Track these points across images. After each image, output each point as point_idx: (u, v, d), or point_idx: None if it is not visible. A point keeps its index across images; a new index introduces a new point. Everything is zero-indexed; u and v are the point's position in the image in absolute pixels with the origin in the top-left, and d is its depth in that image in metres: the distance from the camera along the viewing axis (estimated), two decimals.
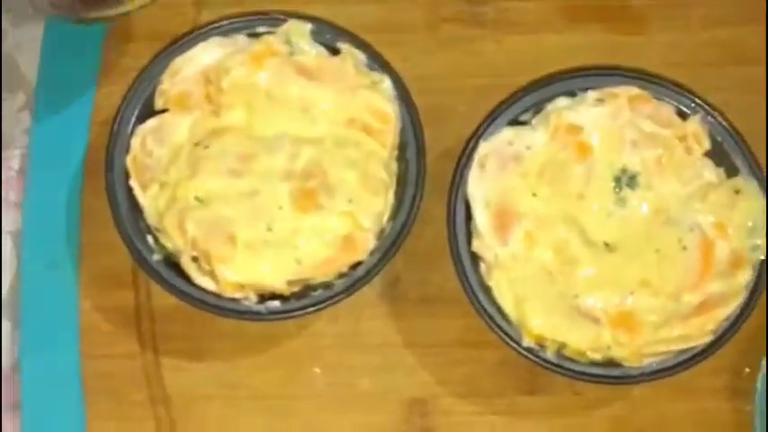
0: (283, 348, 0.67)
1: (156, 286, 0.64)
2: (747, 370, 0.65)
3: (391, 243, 0.62)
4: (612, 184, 0.62)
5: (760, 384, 0.64)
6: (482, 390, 0.66)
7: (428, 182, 0.64)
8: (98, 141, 0.68)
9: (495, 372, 0.66)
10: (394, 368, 0.66)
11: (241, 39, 0.65)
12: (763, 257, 0.62)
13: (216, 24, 0.65)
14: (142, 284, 0.67)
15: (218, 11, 0.69)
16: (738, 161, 0.63)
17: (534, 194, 0.62)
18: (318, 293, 0.62)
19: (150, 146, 0.63)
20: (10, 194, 0.70)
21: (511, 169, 0.62)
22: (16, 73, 0.72)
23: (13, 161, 0.71)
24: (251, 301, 0.62)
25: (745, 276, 0.61)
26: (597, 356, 0.61)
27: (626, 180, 0.62)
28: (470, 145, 0.63)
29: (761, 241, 0.61)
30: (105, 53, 0.70)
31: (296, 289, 0.62)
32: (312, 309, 0.62)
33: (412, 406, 0.66)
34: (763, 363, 0.64)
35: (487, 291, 0.62)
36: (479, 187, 0.62)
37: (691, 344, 0.61)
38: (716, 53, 0.69)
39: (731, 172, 0.63)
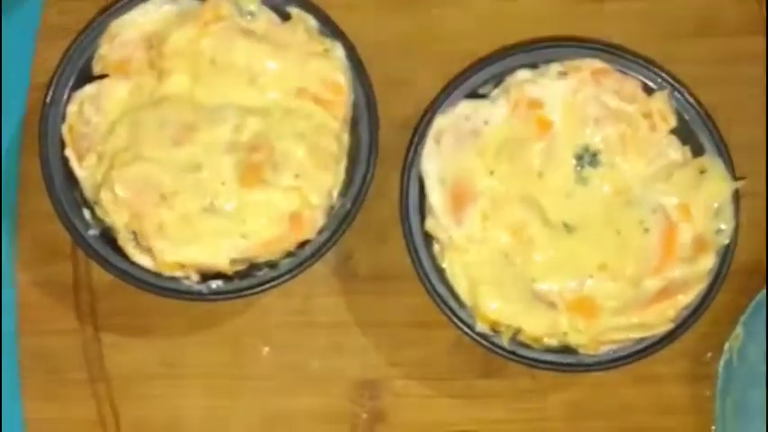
0: (229, 326, 0.64)
1: None
2: (709, 354, 0.63)
3: (340, 222, 0.60)
4: (573, 162, 0.59)
5: (722, 368, 0.62)
6: (436, 372, 0.64)
7: (383, 154, 0.61)
8: (36, 105, 0.64)
9: (449, 353, 0.64)
10: (344, 348, 0.64)
11: (185, 1, 0.61)
12: (727, 242, 0.59)
13: None
14: (81, 257, 0.64)
15: None
16: (704, 140, 0.60)
17: (492, 173, 0.59)
18: (263, 273, 0.60)
19: (88, 113, 0.60)
20: None
21: (468, 146, 0.59)
22: None
23: None
24: (192, 280, 0.59)
25: (708, 262, 0.59)
26: (553, 342, 0.59)
27: (588, 158, 0.59)
28: (425, 119, 0.60)
29: (725, 225, 0.59)
30: (46, 11, 0.66)
31: (240, 268, 0.59)
32: (256, 290, 0.59)
33: (362, 388, 0.64)
34: (727, 345, 0.62)
35: (441, 272, 0.59)
36: (434, 164, 0.59)
37: (650, 332, 0.58)
38: (688, 24, 0.66)
39: (697, 151, 0.60)
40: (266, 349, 0.64)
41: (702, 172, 0.60)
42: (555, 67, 0.60)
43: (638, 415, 0.63)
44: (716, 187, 0.60)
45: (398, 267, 0.63)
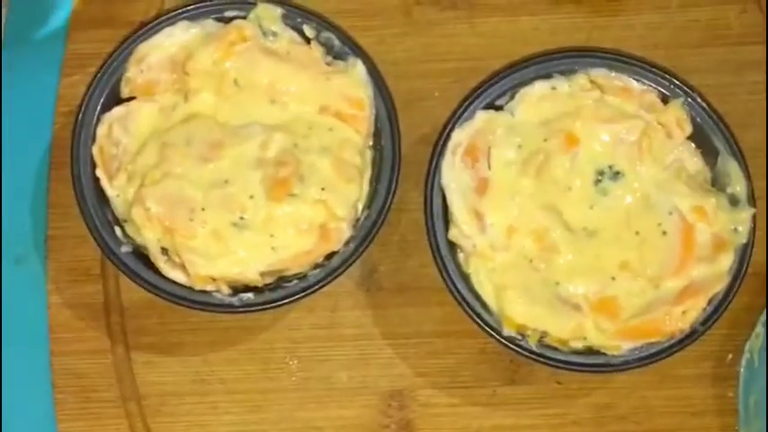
0: (257, 341, 0.65)
1: (125, 279, 0.63)
2: (730, 356, 0.64)
3: (366, 233, 0.61)
4: (594, 173, 0.60)
5: (744, 368, 0.63)
6: (462, 380, 0.65)
7: (403, 168, 0.63)
8: (63, 131, 0.66)
9: (475, 362, 0.64)
10: (371, 360, 0.65)
11: (209, 23, 0.63)
12: (744, 241, 0.60)
13: (183, 9, 0.63)
14: (111, 277, 0.65)
15: None
16: (718, 143, 0.62)
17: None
18: (293, 284, 0.61)
19: (117, 134, 0.62)
20: None
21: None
22: None
23: None
24: (223, 293, 0.60)
25: (727, 261, 0.60)
26: (579, 345, 0.60)
27: (609, 174, 0.60)
28: (445, 132, 0.61)
29: (742, 226, 0.60)
30: (69, 41, 0.68)
31: (269, 280, 0.61)
32: (286, 301, 0.61)
33: (390, 398, 0.65)
34: (748, 345, 0.63)
35: (466, 279, 0.61)
36: (454, 176, 0.61)
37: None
38: (695, 34, 0.67)
39: (711, 154, 0.62)
40: (294, 362, 0.65)
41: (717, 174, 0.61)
42: (577, 79, 0.61)
43: (664, 417, 0.64)
44: (731, 189, 0.61)
45: (422, 279, 0.65)
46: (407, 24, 0.68)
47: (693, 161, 0.61)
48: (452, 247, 0.61)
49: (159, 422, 0.64)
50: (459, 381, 0.65)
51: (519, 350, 0.60)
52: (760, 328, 0.63)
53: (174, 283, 0.61)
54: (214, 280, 0.60)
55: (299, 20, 0.63)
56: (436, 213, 0.61)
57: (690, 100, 0.62)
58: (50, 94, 0.67)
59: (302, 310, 0.65)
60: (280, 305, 0.61)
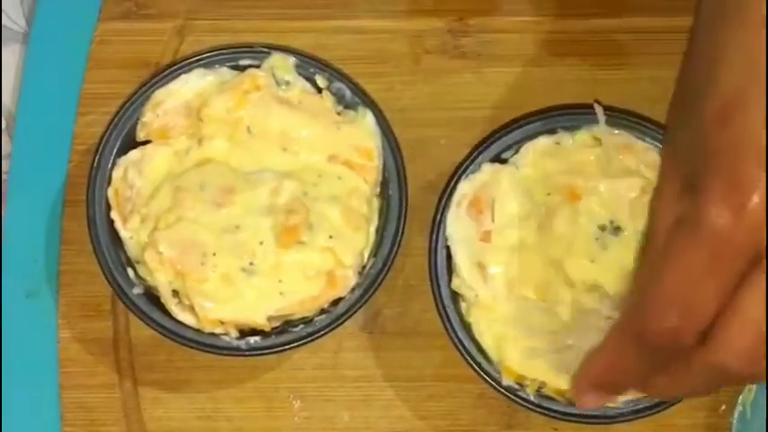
0: (263, 380, 0.67)
1: (134, 317, 0.64)
2: (723, 407, 0.66)
3: (372, 281, 0.63)
4: (596, 227, 0.62)
5: (736, 420, 0.64)
6: (460, 424, 0.66)
7: (408, 214, 0.64)
8: (78, 169, 0.68)
9: (473, 406, 0.66)
10: (372, 401, 0.66)
11: (224, 71, 0.65)
12: None
13: (199, 56, 0.64)
14: (121, 314, 0.67)
15: (200, 39, 0.69)
16: None
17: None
18: (299, 329, 0.62)
19: (131, 178, 0.63)
20: None
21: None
22: None
23: None
24: (231, 336, 0.62)
25: None
26: None
27: (610, 228, 0.62)
28: (451, 184, 0.63)
29: None
30: (86, 80, 0.69)
31: (276, 324, 0.62)
32: (292, 345, 0.62)
33: None
34: (741, 398, 0.64)
35: (468, 328, 0.62)
36: (458, 227, 0.62)
37: None
38: None
39: None
40: (298, 402, 0.66)
41: None
42: (580, 135, 0.63)
43: None
44: None
45: (424, 324, 0.66)
46: (416, 72, 0.69)
47: None
48: (455, 296, 0.63)
49: None
50: (457, 424, 0.66)
51: (518, 400, 0.62)
52: None
53: (184, 325, 0.62)
54: (223, 323, 0.61)
55: (311, 70, 0.65)
56: (440, 263, 0.63)
57: None
58: (67, 131, 0.69)
59: (306, 351, 0.66)
60: (285, 350, 0.62)
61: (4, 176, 0.70)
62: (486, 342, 0.62)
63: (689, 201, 0.49)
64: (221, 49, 0.65)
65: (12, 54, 0.72)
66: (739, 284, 0.47)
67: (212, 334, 0.62)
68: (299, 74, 0.64)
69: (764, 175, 0.46)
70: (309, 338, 0.62)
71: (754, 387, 0.64)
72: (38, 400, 0.66)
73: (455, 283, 0.62)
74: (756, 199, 0.46)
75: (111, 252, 0.62)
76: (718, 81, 0.48)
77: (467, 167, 0.63)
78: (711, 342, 0.48)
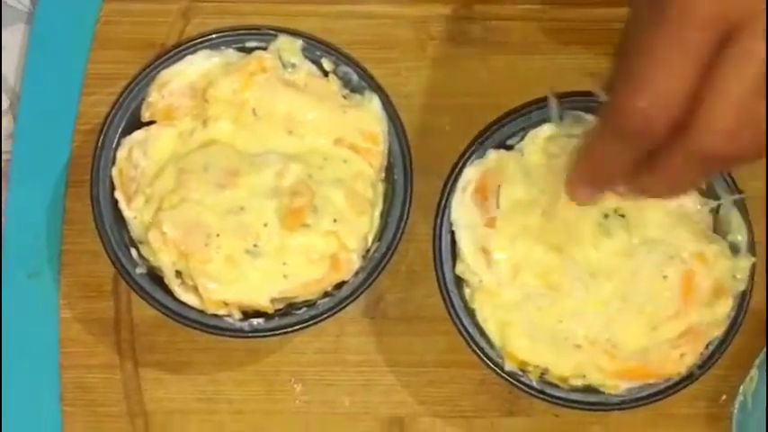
0: (264, 363, 0.67)
1: (136, 297, 0.64)
2: (724, 397, 0.66)
3: (376, 264, 0.62)
4: (600, 215, 0.62)
5: (737, 410, 0.65)
6: (462, 410, 0.66)
7: (413, 200, 0.64)
8: (82, 149, 0.68)
9: (475, 392, 0.66)
10: (373, 386, 0.66)
11: (230, 52, 0.64)
12: (743, 288, 0.62)
13: (205, 38, 0.64)
14: (123, 295, 0.67)
15: (206, 21, 0.69)
16: (721, 191, 0.63)
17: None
18: (302, 312, 0.62)
19: (136, 158, 0.63)
20: None
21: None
22: None
23: None
24: (234, 318, 0.62)
25: (726, 307, 0.62)
26: (578, 383, 0.61)
27: (614, 216, 0.62)
28: (456, 169, 0.63)
29: (740, 274, 0.62)
30: (91, 60, 0.69)
31: (279, 306, 0.62)
32: (295, 328, 0.62)
33: (391, 425, 0.66)
34: (742, 388, 0.65)
35: (471, 313, 0.62)
36: (463, 213, 0.62)
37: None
38: None
39: (712, 198, 0.63)
40: (299, 386, 0.66)
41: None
42: (585, 122, 0.63)
43: None
44: (731, 235, 0.63)
45: (427, 309, 0.66)
46: (422, 59, 0.69)
47: (696, 208, 0.63)
48: (459, 281, 0.63)
49: None
50: (458, 410, 0.66)
51: (520, 386, 0.62)
52: (754, 372, 0.64)
53: (187, 305, 0.62)
54: (226, 304, 0.61)
55: (318, 53, 0.64)
56: (444, 248, 0.63)
57: None
58: (71, 111, 0.68)
59: (308, 335, 0.66)
60: (288, 332, 0.62)
61: (8, 156, 0.70)
62: (490, 328, 0.62)
63: None
64: (228, 31, 0.64)
65: (16, 33, 0.72)
66: (713, 63, 0.46)
67: (215, 315, 0.62)
68: (306, 57, 0.64)
69: None
70: (312, 321, 0.62)
71: (755, 376, 0.64)
72: (38, 379, 0.66)
73: (459, 269, 0.62)
74: None
75: (114, 232, 0.62)
76: None
77: (472, 153, 0.63)
78: (693, 124, 0.46)
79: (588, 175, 0.54)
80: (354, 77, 0.64)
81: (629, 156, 0.50)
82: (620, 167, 0.51)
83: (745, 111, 0.46)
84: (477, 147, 0.63)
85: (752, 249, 0.62)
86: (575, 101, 0.64)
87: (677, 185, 0.51)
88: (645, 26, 0.47)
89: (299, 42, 0.64)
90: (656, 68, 0.46)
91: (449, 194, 0.63)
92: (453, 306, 0.62)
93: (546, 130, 0.63)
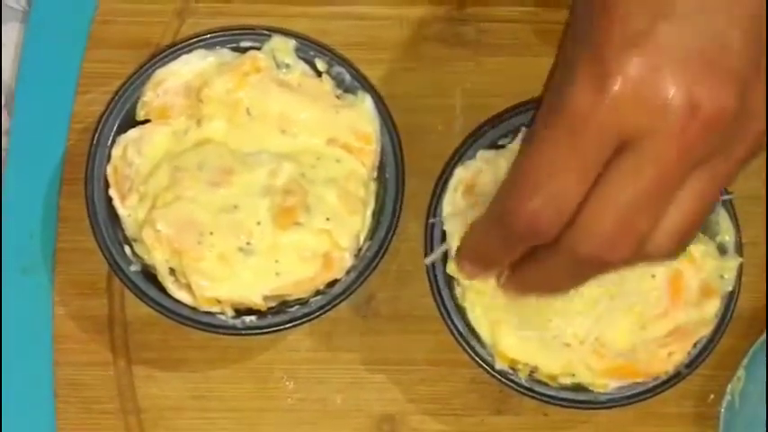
0: (256, 361, 0.67)
1: (130, 295, 0.65)
2: (712, 396, 0.67)
3: (368, 263, 0.63)
4: None
5: (724, 409, 0.65)
6: (452, 408, 0.67)
7: (404, 200, 0.65)
8: (76, 147, 0.68)
9: (465, 390, 0.67)
10: (365, 384, 0.67)
11: (225, 52, 0.65)
12: (730, 288, 0.63)
13: (200, 37, 0.65)
14: (116, 292, 0.67)
15: (200, 21, 0.69)
16: None
17: None
18: (295, 309, 0.63)
19: (130, 156, 0.63)
20: None
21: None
22: None
23: None
24: (227, 315, 0.62)
25: (713, 307, 0.62)
26: (568, 381, 0.62)
27: None
28: (447, 170, 0.64)
29: (728, 274, 0.62)
30: (86, 59, 0.69)
31: (272, 304, 0.63)
32: (288, 325, 0.63)
33: (382, 422, 0.67)
34: (729, 387, 0.65)
35: (462, 312, 0.63)
36: (454, 212, 0.63)
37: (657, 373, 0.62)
38: None
39: None
40: (291, 383, 0.67)
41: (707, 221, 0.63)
42: None
43: None
44: (720, 238, 0.63)
45: (418, 308, 0.67)
46: (415, 59, 0.70)
47: None
48: (450, 280, 0.63)
49: None
50: (449, 408, 0.67)
51: (510, 384, 0.62)
52: (741, 372, 0.65)
53: (180, 303, 0.62)
54: (219, 302, 0.62)
55: (311, 53, 0.65)
56: (436, 247, 0.63)
57: None
58: (66, 109, 0.69)
59: (301, 333, 0.67)
60: (281, 329, 0.63)
61: (2, 153, 0.70)
62: (481, 326, 0.62)
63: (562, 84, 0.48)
64: (223, 31, 0.65)
65: (12, 32, 0.72)
66: (604, 170, 0.46)
67: (208, 312, 0.62)
68: (300, 57, 0.65)
69: (632, 58, 0.45)
70: (305, 319, 0.62)
71: (742, 376, 0.65)
72: (32, 376, 0.66)
73: (450, 268, 0.63)
74: (619, 81, 0.45)
75: (108, 229, 0.63)
76: None
77: (463, 153, 0.64)
78: (573, 227, 0.47)
79: (473, 257, 0.56)
80: (347, 78, 0.65)
81: (512, 251, 0.51)
82: (502, 256, 0.52)
83: (626, 221, 0.46)
84: (468, 147, 0.64)
85: (739, 250, 0.63)
86: None
87: (556, 283, 0.52)
88: (541, 127, 0.48)
89: (293, 42, 0.65)
90: (548, 172, 0.47)
91: (440, 194, 0.63)
92: (444, 305, 0.62)
93: None
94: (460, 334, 0.62)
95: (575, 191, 0.47)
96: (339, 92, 0.65)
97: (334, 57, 0.65)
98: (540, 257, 0.51)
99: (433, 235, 0.63)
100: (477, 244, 0.55)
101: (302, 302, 0.63)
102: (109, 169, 0.63)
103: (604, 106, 0.46)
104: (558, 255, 0.49)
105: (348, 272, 0.63)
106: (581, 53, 0.47)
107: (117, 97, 0.64)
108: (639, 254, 0.47)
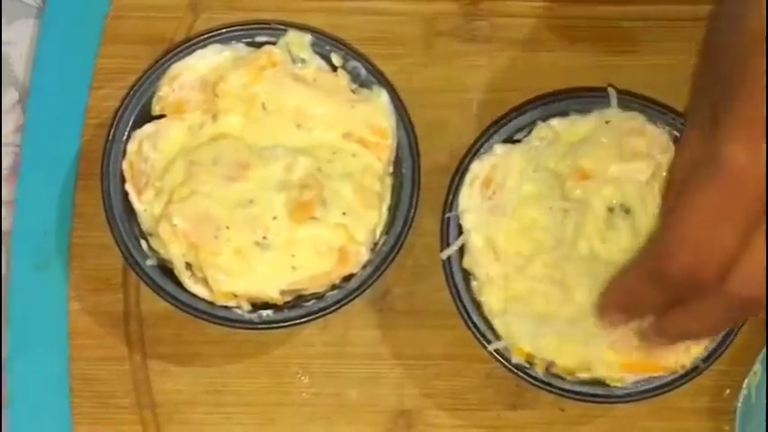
0: (271, 355, 0.67)
1: (145, 290, 0.65)
2: (728, 391, 0.67)
3: (384, 258, 0.63)
4: (605, 209, 0.62)
5: (741, 404, 0.65)
6: (468, 403, 0.67)
7: (420, 195, 0.65)
8: (91, 142, 0.68)
9: (481, 385, 0.67)
10: (380, 379, 0.67)
11: (241, 46, 0.65)
12: None
13: (216, 32, 0.65)
14: (131, 287, 0.67)
15: (214, 16, 0.69)
16: None
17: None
18: (311, 304, 0.63)
19: (146, 151, 0.63)
20: (1, 193, 0.70)
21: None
22: (8, 70, 0.72)
23: (5, 159, 0.71)
24: (243, 309, 0.62)
25: None
26: (585, 375, 0.62)
27: (619, 210, 0.62)
28: (463, 164, 0.63)
29: None
30: (100, 55, 0.69)
31: (288, 299, 0.63)
32: (304, 319, 0.63)
33: (397, 418, 0.67)
34: (746, 382, 0.65)
35: (478, 306, 0.63)
36: (470, 207, 0.63)
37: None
38: None
39: None
40: (306, 378, 0.67)
41: None
42: (592, 118, 0.63)
43: None
44: None
45: (434, 303, 0.67)
46: (429, 55, 0.70)
47: None
48: (466, 275, 0.63)
49: (173, 430, 0.66)
50: (464, 403, 0.67)
51: (527, 378, 0.62)
52: (758, 366, 0.65)
53: (197, 297, 0.62)
54: (236, 296, 0.62)
55: (327, 48, 0.65)
56: (452, 242, 0.63)
57: None
58: (81, 105, 0.69)
59: (316, 328, 0.67)
60: (297, 324, 0.63)
61: (17, 149, 0.70)
62: (497, 320, 0.62)
63: (709, 138, 0.49)
64: (238, 25, 0.65)
65: (26, 28, 0.72)
66: (757, 224, 0.47)
67: (225, 307, 0.62)
68: (315, 52, 0.65)
69: None
70: (321, 313, 0.62)
71: (759, 371, 0.64)
72: (48, 371, 0.66)
73: (466, 262, 0.63)
74: None
75: (124, 224, 0.63)
76: (760, 4, 0.48)
77: (479, 148, 0.64)
78: (738, 272, 0.48)
79: (619, 305, 0.56)
80: (363, 72, 0.65)
81: (663, 297, 0.52)
82: (653, 304, 0.53)
83: None
84: (484, 141, 0.64)
85: None
86: (586, 96, 0.64)
87: (711, 327, 0.53)
88: (695, 188, 0.49)
89: (308, 37, 0.65)
90: (705, 231, 0.48)
91: (456, 188, 0.63)
92: (461, 299, 0.62)
93: (554, 125, 0.64)
94: (477, 328, 0.62)
95: (730, 242, 0.48)
96: (354, 86, 0.65)
97: (349, 51, 0.65)
98: (692, 303, 0.51)
99: (449, 229, 0.63)
100: (623, 291, 0.55)
101: (318, 297, 0.63)
102: (125, 164, 0.63)
103: (760, 165, 0.47)
104: (716, 299, 0.50)
105: (364, 266, 0.63)
106: (733, 97, 0.48)
107: (132, 92, 0.64)
108: None
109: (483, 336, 0.62)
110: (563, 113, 0.65)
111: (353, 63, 0.65)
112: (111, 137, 0.63)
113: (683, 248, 0.49)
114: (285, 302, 0.63)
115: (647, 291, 0.53)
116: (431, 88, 0.69)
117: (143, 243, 0.63)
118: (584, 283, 0.61)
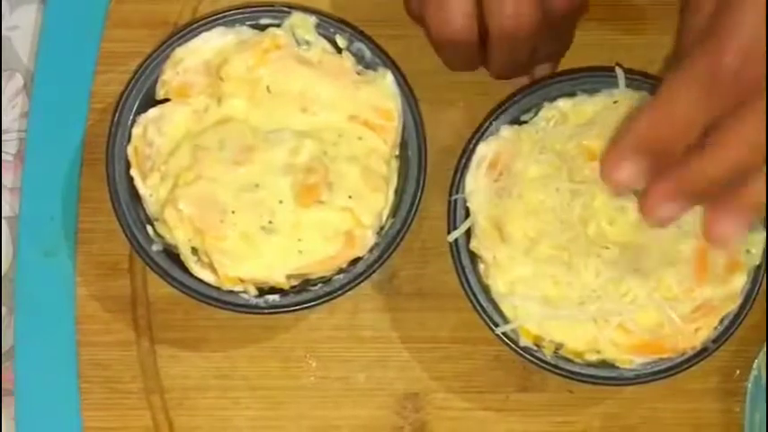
0: (279, 339, 0.67)
1: (152, 274, 0.64)
2: (738, 372, 0.66)
3: (390, 241, 0.63)
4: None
5: (751, 384, 0.65)
6: (476, 386, 0.66)
7: (427, 177, 0.64)
8: (96, 127, 0.68)
9: (489, 368, 0.66)
10: (388, 362, 0.67)
11: (245, 29, 0.64)
12: (757, 263, 0.62)
13: (220, 15, 0.64)
14: (138, 272, 0.67)
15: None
16: None
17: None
18: (317, 288, 0.63)
19: (151, 135, 0.63)
20: (7, 179, 0.70)
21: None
22: (13, 55, 0.72)
23: (10, 145, 0.71)
24: (250, 294, 0.62)
25: (740, 282, 0.62)
26: (593, 357, 0.62)
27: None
28: (470, 146, 0.63)
29: (755, 249, 0.62)
30: (104, 39, 0.69)
31: (295, 283, 0.62)
32: (311, 304, 0.62)
33: (405, 400, 0.66)
34: (756, 363, 0.65)
35: (486, 289, 0.62)
36: (477, 189, 0.62)
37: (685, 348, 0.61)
38: None
39: None
40: (314, 362, 0.67)
41: None
42: (600, 98, 0.62)
43: (671, 429, 0.66)
44: None
45: (441, 285, 0.66)
46: None
47: None
48: (473, 257, 0.63)
49: (181, 415, 0.66)
50: (473, 386, 0.67)
51: (535, 360, 0.62)
52: None
53: (203, 282, 0.62)
54: (242, 281, 0.62)
55: (331, 30, 0.64)
56: (459, 224, 0.63)
57: None
58: (85, 89, 0.69)
59: (323, 312, 0.67)
60: (304, 308, 0.62)
61: (22, 135, 0.70)
62: (505, 303, 0.62)
63: None
64: (242, 8, 0.64)
65: (30, 13, 0.72)
66: None
67: (231, 292, 0.62)
68: (320, 34, 0.64)
69: None
70: (327, 297, 0.62)
71: None
72: (55, 356, 0.67)
73: (473, 245, 0.62)
74: None
75: (130, 209, 0.63)
76: None
77: (486, 129, 0.63)
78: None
79: (640, 140, 0.52)
80: (368, 54, 0.64)
81: (702, 115, 0.50)
82: (685, 130, 0.50)
83: None
84: (490, 123, 0.63)
85: (765, 223, 0.62)
86: (593, 75, 0.64)
87: (735, 163, 0.50)
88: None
89: (313, 19, 0.64)
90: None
91: (463, 171, 0.63)
92: (468, 282, 0.62)
93: (561, 105, 0.63)
94: (484, 311, 0.62)
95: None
96: (360, 68, 0.64)
97: (354, 33, 0.64)
98: (727, 124, 0.50)
99: (456, 212, 0.63)
100: (655, 122, 0.51)
101: (325, 281, 0.63)
102: (129, 149, 0.63)
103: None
104: (757, 116, 0.49)
105: (371, 250, 0.63)
106: None
107: (136, 76, 0.63)
108: None
109: (490, 318, 0.62)
110: (570, 94, 0.64)
111: (358, 45, 0.64)
112: (115, 121, 0.63)
113: (739, 33, 0.49)
114: (292, 287, 0.62)
115: (683, 108, 0.50)
116: (436, 70, 0.68)
117: (149, 228, 0.63)
118: (591, 264, 0.61)
